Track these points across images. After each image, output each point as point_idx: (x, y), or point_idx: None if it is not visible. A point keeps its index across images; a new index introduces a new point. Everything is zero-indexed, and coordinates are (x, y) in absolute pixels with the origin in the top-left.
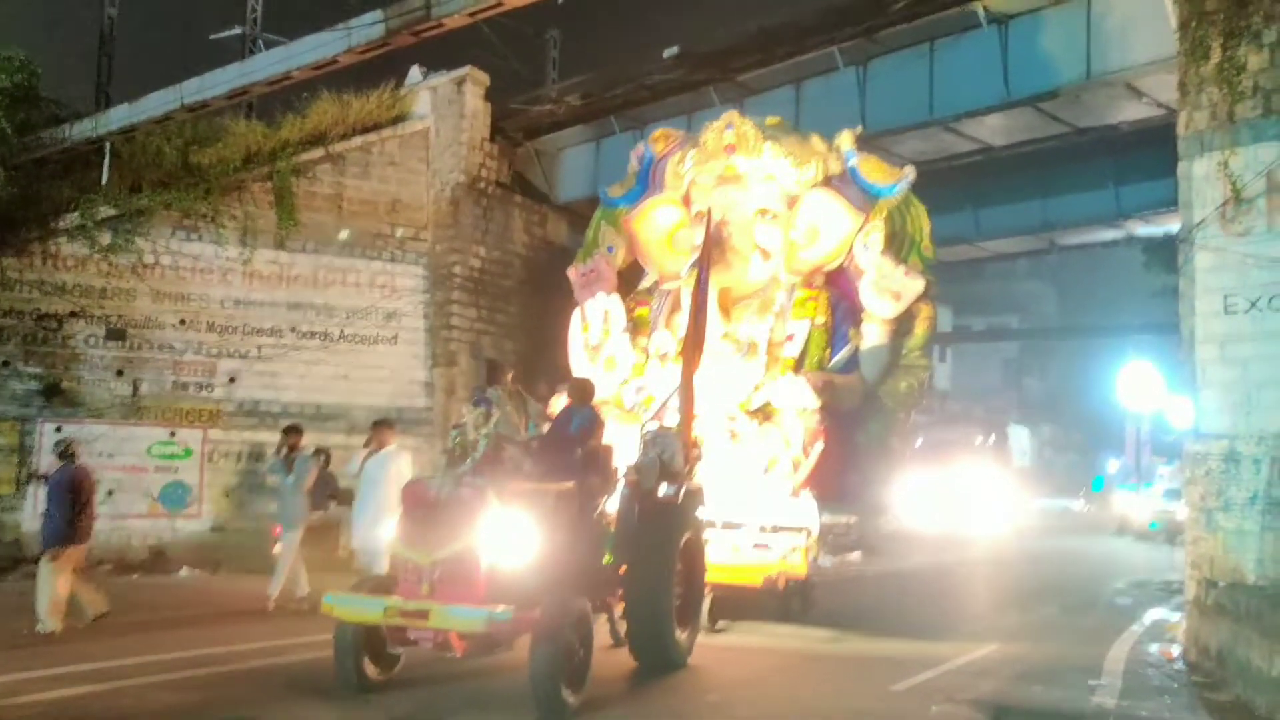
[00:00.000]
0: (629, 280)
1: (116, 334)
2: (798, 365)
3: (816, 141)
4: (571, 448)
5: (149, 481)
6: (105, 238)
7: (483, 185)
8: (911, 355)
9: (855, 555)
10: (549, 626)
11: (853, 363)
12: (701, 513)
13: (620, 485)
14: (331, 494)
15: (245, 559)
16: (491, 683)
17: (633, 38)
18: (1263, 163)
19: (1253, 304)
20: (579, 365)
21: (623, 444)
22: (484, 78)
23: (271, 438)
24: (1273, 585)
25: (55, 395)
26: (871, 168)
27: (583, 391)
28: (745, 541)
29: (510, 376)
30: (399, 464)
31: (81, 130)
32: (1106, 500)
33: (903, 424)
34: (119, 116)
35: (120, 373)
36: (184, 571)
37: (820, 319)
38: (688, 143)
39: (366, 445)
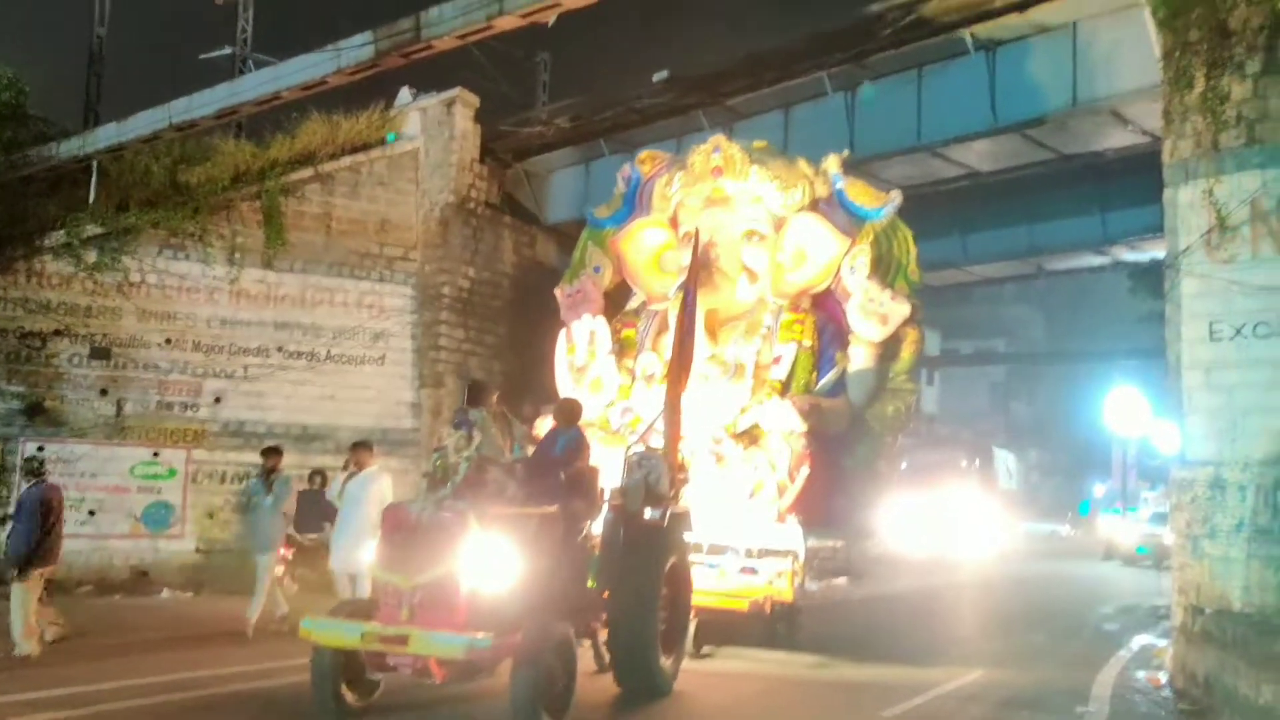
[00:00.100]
0: (616, 301)
1: (101, 353)
2: (785, 388)
3: (803, 165)
4: (556, 470)
5: (132, 502)
6: (91, 256)
7: (472, 206)
8: (898, 379)
9: (842, 580)
10: (530, 652)
11: (840, 386)
12: (688, 536)
13: (605, 508)
14: (326, 515)
15: (228, 580)
16: (473, 709)
17: (623, 61)
18: (1246, 191)
19: (1238, 331)
20: (564, 387)
21: (608, 466)
22: (474, 99)
23: (257, 459)
24: (1259, 613)
25: (38, 414)
26: (858, 191)
27: (569, 413)
28: (731, 566)
29: (495, 398)
30: (380, 485)
31: (69, 148)
32: (1093, 524)
33: (889, 448)
34: (107, 135)
35: (104, 392)
36: (166, 593)
37: (807, 342)
38: (675, 165)
39: (345, 468)
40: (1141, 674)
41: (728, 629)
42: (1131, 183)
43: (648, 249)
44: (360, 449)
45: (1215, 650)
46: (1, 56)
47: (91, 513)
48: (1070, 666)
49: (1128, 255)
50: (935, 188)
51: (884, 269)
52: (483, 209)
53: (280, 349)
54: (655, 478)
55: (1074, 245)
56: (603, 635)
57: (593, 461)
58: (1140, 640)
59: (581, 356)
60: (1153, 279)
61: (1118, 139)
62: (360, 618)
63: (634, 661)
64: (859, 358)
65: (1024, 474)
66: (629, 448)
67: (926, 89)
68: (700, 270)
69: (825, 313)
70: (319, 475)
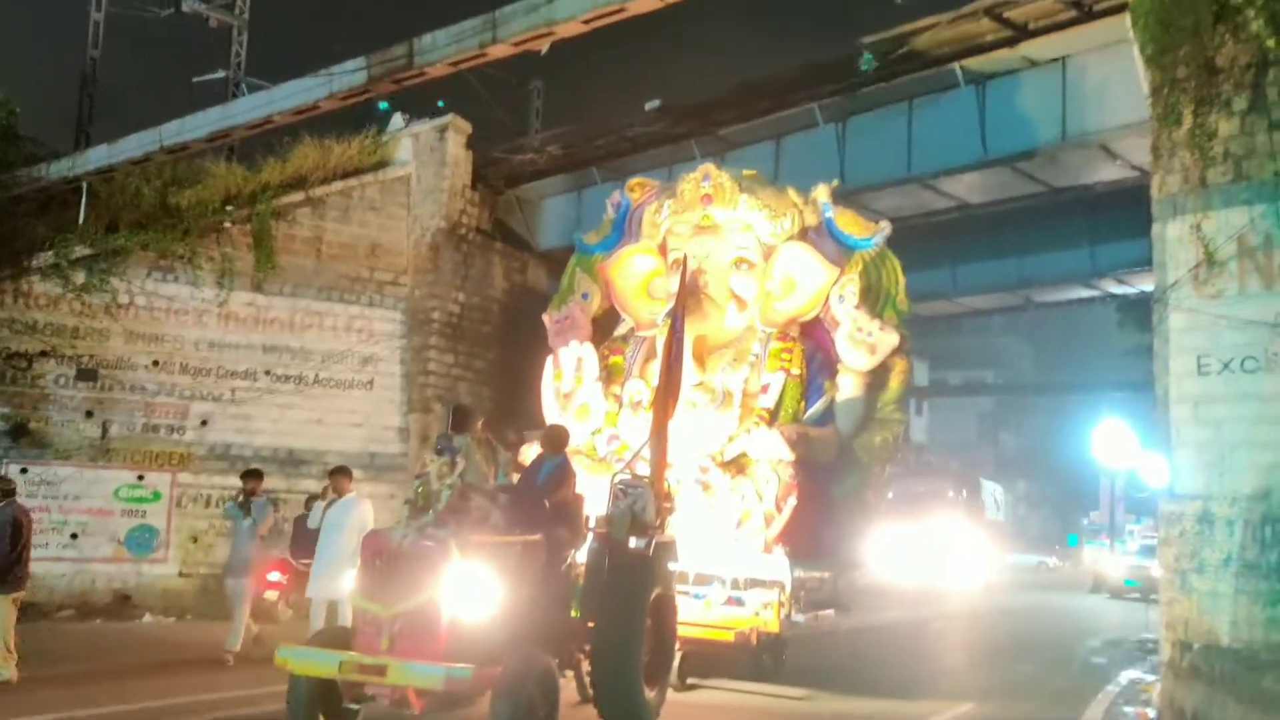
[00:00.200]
0: (604, 327)
1: (87, 374)
2: (772, 417)
3: (793, 194)
4: (541, 498)
5: (115, 525)
6: (80, 277)
7: (463, 232)
8: (886, 409)
9: (829, 611)
10: (511, 683)
11: (828, 415)
12: (673, 566)
13: (590, 537)
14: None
15: (211, 606)
16: None
17: (615, 90)
18: (1234, 227)
19: (1225, 365)
20: (551, 413)
21: (594, 494)
22: (466, 126)
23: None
24: (1247, 648)
25: (22, 436)
26: (847, 221)
27: (555, 440)
28: (717, 596)
29: (480, 424)
30: (360, 511)
31: (59, 169)
32: (1081, 556)
33: (877, 478)
34: (97, 157)
35: (90, 414)
36: (148, 617)
37: (795, 370)
38: (664, 192)
39: (323, 495)
40: (1130, 709)
41: (713, 660)
42: (1120, 216)
43: (636, 275)
44: (339, 475)
45: (1203, 686)
46: None
47: (74, 536)
48: (1059, 700)
49: (1116, 288)
50: (925, 219)
51: (873, 299)
52: (474, 235)
53: (268, 372)
54: (641, 506)
55: (1063, 278)
56: (586, 666)
57: (578, 489)
58: (1128, 675)
59: (568, 383)
60: (1141, 312)
61: (1107, 173)
62: (338, 646)
63: (617, 693)
64: (847, 387)
65: (1012, 505)
66: (615, 475)
67: (917, 121)
68: (688, 297)
69: (814, 341)
70: (314, 500)
